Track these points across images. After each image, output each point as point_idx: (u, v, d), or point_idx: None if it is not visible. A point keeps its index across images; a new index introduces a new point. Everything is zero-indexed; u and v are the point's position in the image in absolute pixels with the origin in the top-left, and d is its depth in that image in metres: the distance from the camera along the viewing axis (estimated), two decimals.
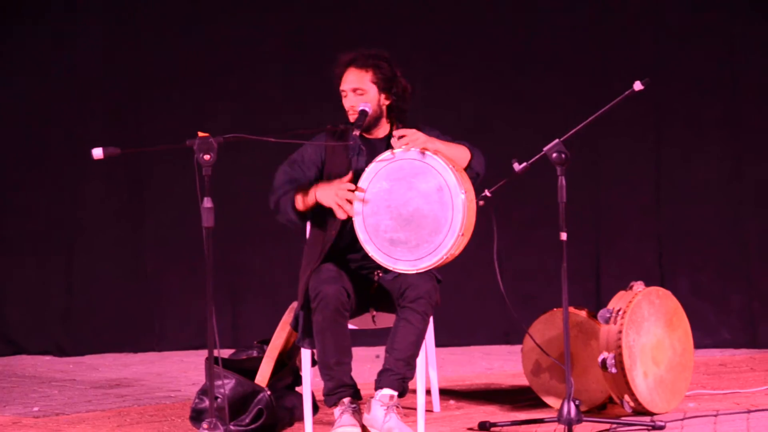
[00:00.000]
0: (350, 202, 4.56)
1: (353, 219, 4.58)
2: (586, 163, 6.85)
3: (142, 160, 7.14)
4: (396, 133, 4.63)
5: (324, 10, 7.09)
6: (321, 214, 4.70)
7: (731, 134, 6.88)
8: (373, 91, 4.73)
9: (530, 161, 4.62)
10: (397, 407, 4.53)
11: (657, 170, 6.94)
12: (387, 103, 4.76)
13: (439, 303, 4.67)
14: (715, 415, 4.82)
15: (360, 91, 4.72)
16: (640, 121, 6.91)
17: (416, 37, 7.00)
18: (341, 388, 4.59)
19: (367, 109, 4.68)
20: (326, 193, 4.62)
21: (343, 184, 4.60)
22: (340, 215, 4.59)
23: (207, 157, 4.20)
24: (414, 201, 4.52)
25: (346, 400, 4.58)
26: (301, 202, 4.68)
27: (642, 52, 6.90)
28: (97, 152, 4.30)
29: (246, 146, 6.75)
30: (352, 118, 4.72)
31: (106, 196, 7.17)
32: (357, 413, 4.57)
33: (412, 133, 4.58)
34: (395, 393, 4.54)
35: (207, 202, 4.19)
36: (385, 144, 4.73)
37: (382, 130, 4.79)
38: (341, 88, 4.75)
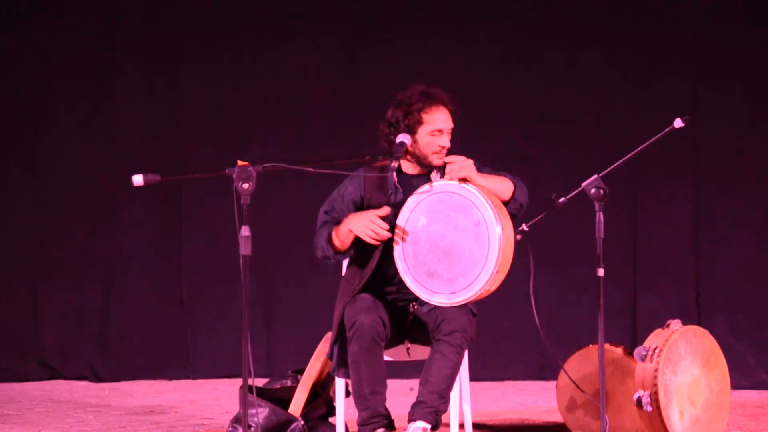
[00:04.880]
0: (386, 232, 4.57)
1: (393, 249, 4.58)
2: (625, 199, 6.83)
3: (180, 187, 7.18)
4: (447, 159, 4.63)
5: (368, 39, 7.13)
6: (362, 249, 4.70)
7: None
8: None
9: (569, 196, 4.61)
10: None
11: (695, 208, 6.92)
12: None
13: (474, 338, 4.66)
14: None
15: (449, 132, 4.71)
16: (679, 158, 6.89)
17: (454, 67, 7.02)
18: (376, 419, 4.58)
19: (405, 141, 4.67)
20: (357, 222, 4.63)
21: (375, 213, 4.60)
22: (370, 242, 4.59)
23: (246, 185, 4.22)
24: (451, 235, 4.52)
25: (381, 431, 4.57)
26: (336, 237, 4.69)
27: (682, 89, 6.89)
28: (138, 179, 4.32)
29: (285, 175, 6.77)
30: (439, 158, 4.67)
31: (143, 222, 7.21)
32: None
33: (462, 160, 4.58)
34: (428, 426, 4.53)
35: (245, 231, 4.20)
36: (425, 180, 4.72)
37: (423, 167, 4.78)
38: (437, 126, 4.67)
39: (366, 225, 4.60)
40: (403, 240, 4.57)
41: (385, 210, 4.63)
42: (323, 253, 4.73)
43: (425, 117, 4.67)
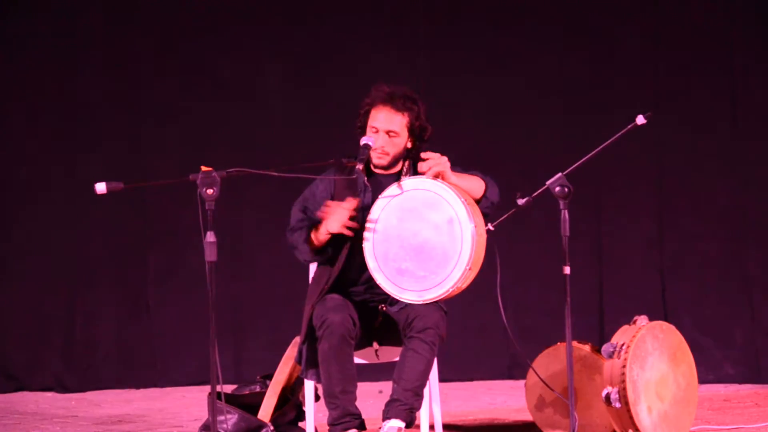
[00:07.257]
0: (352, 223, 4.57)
1: (364, 247, 4.57)
2: (589, 196, 6.86)
3: (144, 194, 7.14)
4: (423, 155, 4.62)
5: (326, 41, 7.12)
6: (334, 249, 4.69)
7: (732, 167, 6.89)
8: (404, 135, 4.71)
9: (533, 195, 4.62)
10: None
11: (659, 204, 6.95)
12: (410, 146, 4.75)
13: (444, 336, 4.65)
14: None
15: (394, 134, 4.69)
16: (642, 155, 6.92)
17: (417, 70, 7.02)
18: (347, 418, 4.56)
19: (370, 143, 4.68)
20: (330, 220, 4.61)
21: (343, 205, 4.59)
22: (346, 232, 4.59)
23: (210, 191, 4.21)
24: (424, 232, 4.52)
25: (353, 431, 4.56)
26: (314, 238, 4.68)
27: (643, 86, 6.93)
28: (101, 187, 4.30)
29: (249, 181, 6.75)
30: (377, 157, 4.68)
31: (107, 231, 7.17)
32: None
33: (437, 157, 4.57)
34: (403, 424, 4.52)
35: (210, 237, 4.19)
36: (395, 180, 4.72)
37: (394, 168, 4.78)
38: (373, 124, 4.69)
39: (336, 218, 4.59)
40: (374, 237, 4.55)
41: (352, 202, 4.61)
42: (303, 257, 4.72)
43: (371, 113, 4.71)
